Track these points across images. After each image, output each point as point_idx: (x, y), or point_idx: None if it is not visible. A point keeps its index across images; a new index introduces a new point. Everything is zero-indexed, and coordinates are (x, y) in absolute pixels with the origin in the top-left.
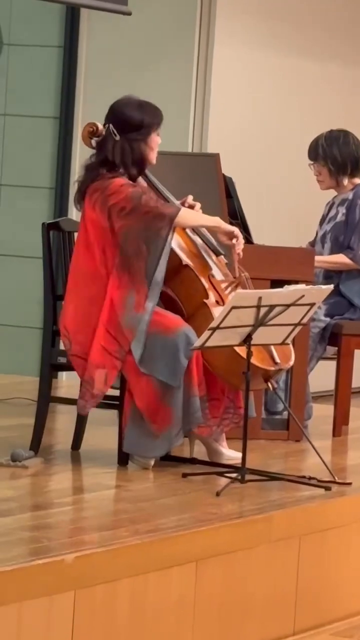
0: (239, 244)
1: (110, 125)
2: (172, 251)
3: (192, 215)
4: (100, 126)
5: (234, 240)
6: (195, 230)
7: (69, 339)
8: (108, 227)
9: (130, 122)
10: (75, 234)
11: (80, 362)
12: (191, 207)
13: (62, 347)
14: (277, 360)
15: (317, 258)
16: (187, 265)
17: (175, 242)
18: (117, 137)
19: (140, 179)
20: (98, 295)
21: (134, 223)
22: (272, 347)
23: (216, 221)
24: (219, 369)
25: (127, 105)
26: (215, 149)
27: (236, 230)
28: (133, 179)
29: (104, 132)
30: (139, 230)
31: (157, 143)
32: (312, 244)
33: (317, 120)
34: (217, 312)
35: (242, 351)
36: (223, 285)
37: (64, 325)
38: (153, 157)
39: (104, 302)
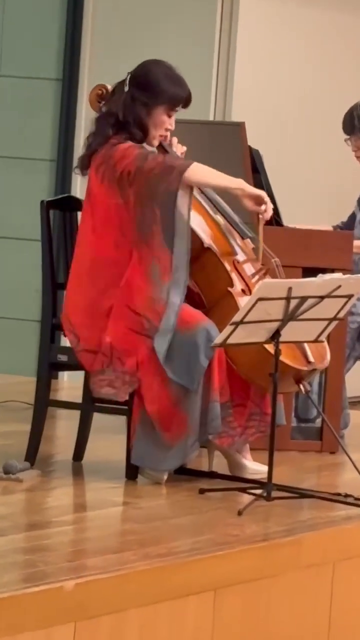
0: (268, 210)
1: (129, 75)
2: (192, 232)
3: (207, 171)
4: (111, 89)
5: (262, 207)
6: (218, 208)
7: (76, 334)
8: (122, 203)
9: (147, 79)
10: (79, 214)
11: (91, 356)
12: None
13: (63, 343)
14: (311, 359)
15: (355, 243)
16: (209, 248)
17: (196, 221)
18: (126, 89)
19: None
20: (110, 285)
21: (143, 186)
22: (306, 345)
23: (239, 183)
24: (244, 367)
25: (159, 64)
26: (240, 117)
27: (263, 193)
28: (138, 141)
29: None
30: (149, 192)
31: (161, 122)
32: (345, 226)
33: (358, 84)
34: (244, 302)
35: (271, 347)
36: (250, 273)
37: (67, 318)
38: (153, 136)
39: (119, 287)
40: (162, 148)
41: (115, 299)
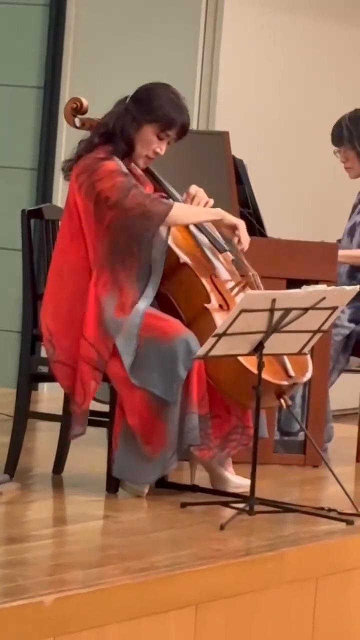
0: (241, 240)
1: (136, 91)
2: (168, 248)
3: (186, 211)
4: (86, 103)
5: (236, 232)
6: (214, 224)
7: (52, 343)
8: (94, 222)
9: (147, 97)
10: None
11: (65, 370)
12: (192, 197)
13: (43, 354)
14: (292, 373)
15: (340, 252)
16: (185, 264)
17: (172, 237)
18: (127, 102)
19: (136, 167)
20: (85, 293)
21: (120, 218)
22: (285, 358)
23: (217, 213)
24: (224, 384)
25: (166, 88)
26: (224, 127)
27: (240, 223)
28: (121, 153)
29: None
30: (126, 227)
31: (149, 143)
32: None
33: (345, 94)
34: (220, 318)
35: (249, 363)
36: (228, 286)
37: (45, 326)
38: (138, 154)
39: (88, 299)
40: (148, 174)
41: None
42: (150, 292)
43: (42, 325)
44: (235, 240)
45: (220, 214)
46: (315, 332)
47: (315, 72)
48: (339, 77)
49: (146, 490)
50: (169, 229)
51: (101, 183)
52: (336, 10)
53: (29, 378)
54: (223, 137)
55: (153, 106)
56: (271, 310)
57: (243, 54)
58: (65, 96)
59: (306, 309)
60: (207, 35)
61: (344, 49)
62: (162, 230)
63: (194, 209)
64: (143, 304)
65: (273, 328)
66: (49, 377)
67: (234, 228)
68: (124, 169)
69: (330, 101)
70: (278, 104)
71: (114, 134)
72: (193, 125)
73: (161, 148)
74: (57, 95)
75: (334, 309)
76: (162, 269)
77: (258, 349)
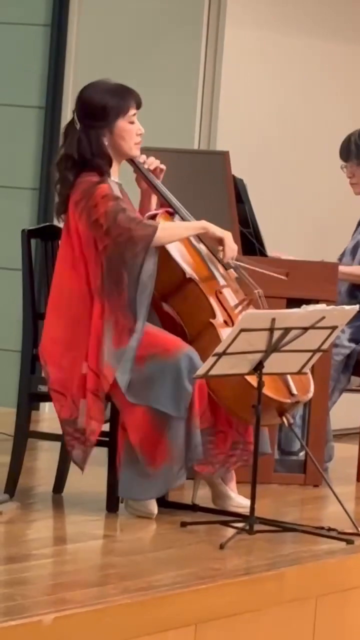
0: (225, 252)
1: (75, 113)
2: (174, 263)
3: (172, 229)
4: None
5: (219, 248)
6: (200, 237)
7: (47, 369)
8: (94, 245)
9: (90, 106)
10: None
11: (60, 398)
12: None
13: (43, 373)
14: (294, 391)
15: (341, 269)
16: (191, 279)
17: (178, 252)
18: (78, 126)
19: (144, 183)
20: (84, 318)
21: (111, 245)
22: (289, 377)
23: (202, 227)
24: (227, 400)
25: (93, 87)
26: (224, 146)
27: (225, 235)
28: (104, 173)
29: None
30: (117, 254)
31: (129, 131)
32: (341, 258)
33: (346, 114)
34: (226, 334)
35: (253, 380)
36: (232, 304)
37: (43, 351)
38: (129, 147)
39: (91, 328)
40: (135, 166)
41: (87, 337)
42: (143, 313)
43: (40, 351)
44: (220, 253)
45: (205, 226)
46: (315, 352)
47: (316, 92)
48: (340, 97)
49: (155, 511)
50: (157, 251)
51: (97, 210)
52: (337, 30)
53: (29, 397)
54: (223, 156)
55: (108, 107)
56: (271, 330)
57: (244, 74)
58: (66, 116)
59: (306, 329)
60: (209, 55)
61: (345, 68)
62: (151, 253)
63: (179, 226)
64: (139, 324)
65: (273, 347)
66: (49, 397)
67: (219, 241)
68: (116, 192)
69: (331, 121)
70: (279, 123)
71: (83, 158)
72: (194, 145)
73: (140, 128)
74: (59, 115)
75: (334, 328)
76: (151, 290)
77: (258, 368)
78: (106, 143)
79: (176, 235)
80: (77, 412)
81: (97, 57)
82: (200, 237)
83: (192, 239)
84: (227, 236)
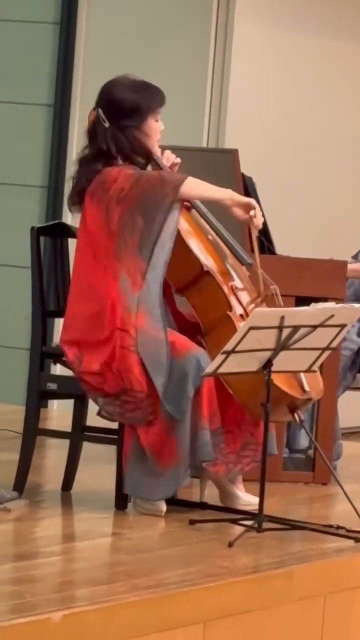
0: (257, 217)
1: (99, 110)
2: (192, 255)
3: (200, 184)
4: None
5: (251, 213)
6: (217, 233)
7: (80, 355)
8: (106, 228)
9: (121, 105)
10: (70, 241)
11: (98, 378)
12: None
13: (52, 371)
14: (307, 388)
15: (350, 267)
16: (208, 272)
17: (195, 244)
18: (107, 124)
19: None
20: (99, 314)
21: (135, 198)
22: (302, 374)
23: (228, 193)
24: (241, 393)
25: (119, 85)
26: (233, 144)
27: (252, 201)
28: (143, 166)
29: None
30: (138, 203)
31: (156, 130)
32: (357, 256)
33: (356, 112)
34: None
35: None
36: (246, 300)
37: (72, 339)
38: (152, 144)
39: (109, 295)
40: (154, 161)
41: (103, 331)
42: (159, 263)
43: (63, 340)
44: (251, 214)
45: (231, 194)
46: (324, 350)
47: (325, 90)
48: (348, 95)
49: (164, 509)
50: (180, 205)
51: (114, 184)
52: (345, 28)
53: (38, 395)
54: (232, 154)
55: (138, 106)
56: (280, 328)
57: (253, 72)
58: (75, 114)
59: (315, 327)
60: (217, 53)
61: (354, 66)
62: (177, 205)
63: (207, 185)
64: (157, 275)
65: (282, 345)
66: (59, 394)
67: (246, 206)
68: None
69: (340, 119)
70: (288, 121)
71: (123, 154)
72: (203, 143)
73: (161, 124)
74: (67, 113)
75: (343, 326)
76: (170, 248)
77: (267, 366)
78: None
79: (203, 190)
80: (123, 381)
81: (106, 55)
82: (228, 207)
83: (209, 234)
84: (254, 202)
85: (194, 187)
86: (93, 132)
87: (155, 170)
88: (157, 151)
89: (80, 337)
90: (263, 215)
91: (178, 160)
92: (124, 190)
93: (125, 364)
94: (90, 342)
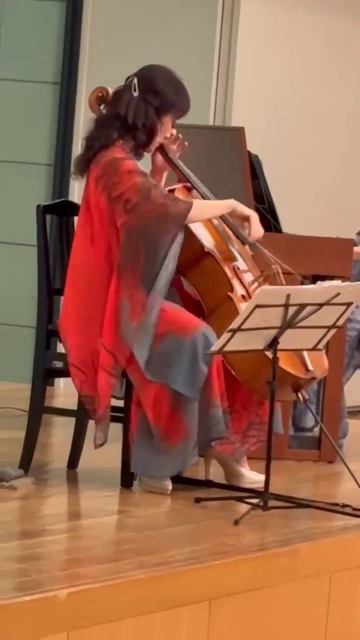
0: (253, 232)
1: (135, 79)
2: (193, 237)
3: (204, 208)
4: (112, 91)
5: (245, 225)
6: (227, 214)
7: (67, 344)
8: (112, 219)
9: (157, 86)
10: (76, 219)
11: (79, 374)
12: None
13: (58, 349)
14: (310, 367)
15: (356, 249)
16: (209, 253)
17: (196, 225)
18: (136, 94)
19: (160, 159)
20: (101, 295)
21: (136, 220)
22: (305, 353)
23: (229, 205)
24: (243, 373)
25: (163, 70)
26: (240, 122)
27: (252, 215)
28: (140, 146)
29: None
30: (141, 229)
31: (167, 128)
32: None
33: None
34: (244, 308)
35: (271, 354)
36: (249, 280)
37: (61, 327)
38: (156, 142)
39: (107, 306)
40: (163, 152)
41: (103, 314)
42: (160, 287)
43: (58, 325)
44: (246, 231)
45: (233, 205)
46: (330, 328)
47: (332, 69)
48: (356, 72)
49: (170, 487)
50: (182, 231)
51: (122, 185)
52: (352, 7)
53: (44, 373)
54: (238, 132)
55: (170, 98)
56: (286, 306)
57: (259, 50)
58: (82, 92)
59: (321, 305)
60: (224, 30)
61: None
62: (178, 239)
63: (210, 205)
64: (157, 301)
65: (287, 323)
66: (64, 372)
67: (245, 219)
68: (142, 168)
69: (346, 97)
70: (294, 99)
71: (134, 126)
72: (209, 121)
73: (173, 132)
74: (74, 91)
75: (349, 304)
76: (174, 268)
77: (273, 344)
78: (148, 124)
79: (208, 213)
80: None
81: (113, 33)
82: (227, 215)
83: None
84: (254, 216)
85: (198, 213)
86: (119, 95)
87: (160, 192)
88: (150, 150)
89: (70, 326)
90: (269, 195)
91: (179, 135)
92: (130, 203)
93: (99, 383)
94: (76, 334)
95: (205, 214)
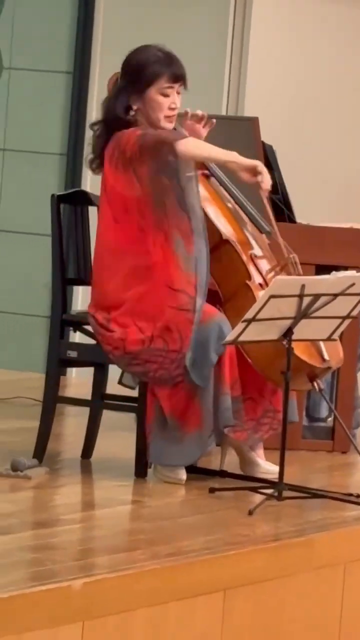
0: (264, 181)
1: (120, 70)
2: (211, 224)
3: (200, 144)
4: None
5: (258, 178)
6: (236, 200)
7: (107, 317)
8: (139, 187)
9: (129, 67)
10: (90, 208)
11: (118, 335)
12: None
13: (72, 339)
14: (326, 357)
15: None
16: (227, 241)
17: (213, 213)
18: (120, 84)
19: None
20: (129, 277)
21: (149, 160)
22: (321, 342)
23: (232, 156)
24: (260, 362)
25: (142, 50)
26: (253, 112)
27: (258, 163)
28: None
29: None
30: (155, 164)
31: (160, 104)
32: None
33: None
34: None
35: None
36: (265, 268)
37: (98, 305)
38: (157, 119)
39: (149, 270)
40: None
41: (140, 284)
42: (199, 229)
43: (93, 304)
44: (258, 179)
45: (235, 157)
46: (344, 318)
47: (345, 58)
48: None
49: (184, 477)
50: (197, 179)
51: (128, 146)
52: None
53: (58, 363)
54: (253, 122)
55: (142, 72)
56: (300, 296)
57: (273, 39)
58: (94, 81)
59: (335, 295)
60: (237, 20)
61: None
62: (190, 173)
63: (210, 146)
64: (199, 223)
65: (302, 314)
66: (78, 362)
67: (252, 169)
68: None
69: (359, 86)
70: (308, 89)
71: (115, 118)
72: (222, 111)
73: (174, 102)
74: (86, 81)
75: None
76: (202, 216)
77: (287, 334)
78: (135, 108)
79: (204, 150)
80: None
81: (125, 22)
82: (234, 171)
83: (227, 202)
84: (261, 164)
85: (193, 145)
86: (114, 82)
87: (159, 129)
88: (164, 126)
89: (108, 300)
90: (283, 185)
91: (204, 113)
92: (136, 154)
93: (176, 324)
94: (118, 301)
95: (201, 150)
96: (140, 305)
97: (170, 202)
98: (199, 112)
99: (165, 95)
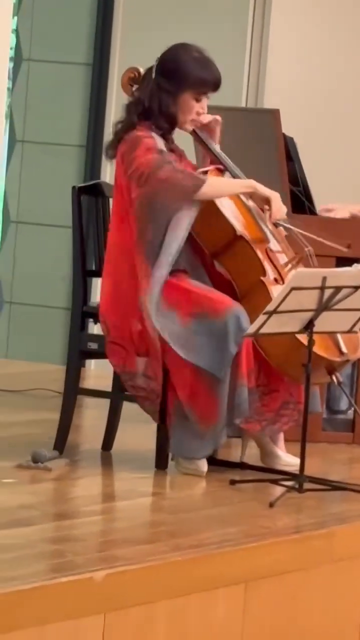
0: (274, 212)
1: (156, 62)
2: (224, 220)
3: (219, 186)
4: (143, 72)
5: (266, 207)
6: (249, 194)
7: (107, 324)
8: (130, 197)
9: (171, 65)
10: (110, 200)
11: (118, 349)
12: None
13: (92, 331)
14: (344, 349)
15: None
16: (241, 237)
17: (228, 207)
18: (154, 75)
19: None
20: (130, 273)
21: (147, 192)
22: (339, 335)
23: (250, 185)
24: (277, 358)
25: (184, 50)
26: (273, 104)
27: (274, 197)
28: (165, 132)
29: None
30: (150, 200)
31: (191, 108)
32: None
33: None
34: (277, 291)
35: (304, 338)
36: (282, 262)
37: (100, 307)
38: (183, 121)
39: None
40: (196, 134)
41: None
42: (168, 261)
43: (99, 306)
44: (267, 214)
45: (253, 185)
46: None
47: None
48: None
49: (205, 469)
50: (198, 207)
51: (136, 160)
52: None
53: (79, 354)
54: (274, 114)
55: (182, 74)
56: (322, 289)
57: (293, 31)
58: (114, 73)
59: (357, 287)
60: (257, 12)
61: None
62: (193, 206)
63: (227, 183)
64: (162, 269)
65: (323, 306)
66: (99, 354)
67: (266, 201)
68: (161, 147)
69: None
70: (328, 81)
71: (151, 111)
72: (242, 103)
73: (202, 107)
74: (106, 72)
75: None
76: (181, 245)
77: (308, 327)
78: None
79: (223, 191)
80: (136, 368)
81: (145, 14)
82: (248, 197)
83: (242, 196)
84: (275, 197)
85: (213, 191)
86: (143, 78)
87: (176, 167)
88: (186, 129)
89: (107, 302)
90: (303, 177)
91: (218, 117)
92: (143, 177)
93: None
94: (114, 310)
95: (221, 191)
96: (124, 308)
97: (144, 243)
98: (206, 117)
99: (197, 100)
